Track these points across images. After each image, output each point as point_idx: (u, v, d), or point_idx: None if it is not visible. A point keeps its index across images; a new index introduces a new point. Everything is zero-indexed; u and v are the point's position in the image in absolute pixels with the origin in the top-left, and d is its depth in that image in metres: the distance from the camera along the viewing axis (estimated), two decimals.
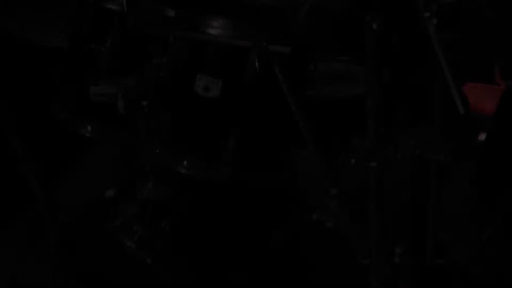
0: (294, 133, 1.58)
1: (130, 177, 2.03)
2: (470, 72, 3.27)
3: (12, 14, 2.25)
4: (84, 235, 1.90)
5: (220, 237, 1.92)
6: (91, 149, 2.58)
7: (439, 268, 1.81)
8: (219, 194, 1.89)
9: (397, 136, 1.25)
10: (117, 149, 2.04)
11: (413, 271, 1.66)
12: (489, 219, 2.22)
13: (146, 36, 1.79)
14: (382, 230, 1.44)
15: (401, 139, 1.24)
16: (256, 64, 1.56)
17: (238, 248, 1.92)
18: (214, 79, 1.59)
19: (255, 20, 1.56)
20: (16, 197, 2.34)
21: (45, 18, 2.28)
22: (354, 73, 1.79)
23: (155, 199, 1.86)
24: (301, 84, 1.68)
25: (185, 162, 1.63)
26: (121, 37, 1.83)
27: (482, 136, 2.93)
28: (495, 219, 2.21)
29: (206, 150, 1.63)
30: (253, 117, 1.63)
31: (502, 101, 2.79)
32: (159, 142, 1.68)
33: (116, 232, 1.79)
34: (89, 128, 1.96)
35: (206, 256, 1.87)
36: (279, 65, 1.47)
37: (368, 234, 1.46)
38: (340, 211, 1.51)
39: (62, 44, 2.11)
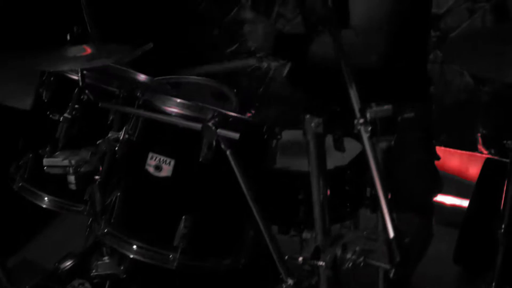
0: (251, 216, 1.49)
1: (87, 250, 1.95)
2: (453, 139, 3.23)
3: None
4: None
5: None
6: (52, 219, 2.51)
7: None
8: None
9: (344, 235, 1.17)
10: (78, 220, 1.96)
11: None
12: None
13: (104, 110, 1.74)
14: None
15: (348, 239, 1.16)
16: (213, 144, 1.49)
17: None
18: (166, 158, 1.52)
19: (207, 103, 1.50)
20: None
21: (11, 78, 2.23)
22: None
23: (109, 275, 1.77)
24: (258, 164, 1.61)
25: (134, 247, 1.54)
26: (79, 108, 1.78)
27: (465, 203, 2.87)
28: None
29: (155, 234, 1.54)
30: (206, 200, 1.55)
31: (483, 170, 2.72)
32: (108, 221, 1.60)
33: None
34: (46, 199, 1.89)
35: None
36: (230, 149, 1.41)
37: None
38: None
39: (25, 106, 2.06)
